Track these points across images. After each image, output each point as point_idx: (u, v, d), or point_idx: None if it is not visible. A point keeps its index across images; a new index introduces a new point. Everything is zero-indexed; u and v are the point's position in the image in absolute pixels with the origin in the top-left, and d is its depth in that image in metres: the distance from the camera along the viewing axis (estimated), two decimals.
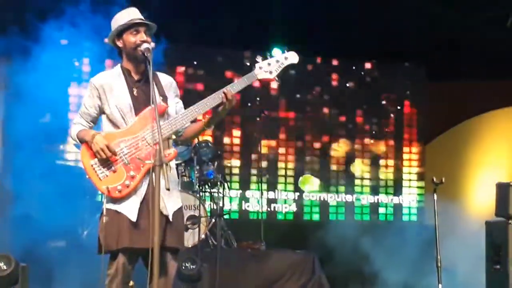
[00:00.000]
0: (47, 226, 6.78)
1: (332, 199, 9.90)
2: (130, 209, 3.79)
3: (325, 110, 10.03)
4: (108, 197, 3.82)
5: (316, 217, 9.83)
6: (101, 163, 3.82)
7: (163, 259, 3.77)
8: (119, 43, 3.95)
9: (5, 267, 5.47)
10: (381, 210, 10.05)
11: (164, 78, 4.05)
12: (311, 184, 9.80)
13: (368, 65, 10.14)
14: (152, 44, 3.89)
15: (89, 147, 3.86)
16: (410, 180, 10.21)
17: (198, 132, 4.12)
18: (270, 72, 3.98)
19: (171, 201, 3.87)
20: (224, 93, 3.86)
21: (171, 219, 3.83)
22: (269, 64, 3.99)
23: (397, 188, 10.15)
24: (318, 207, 9.84)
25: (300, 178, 9.76)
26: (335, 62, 10.05)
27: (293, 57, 4.04)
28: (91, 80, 3.97)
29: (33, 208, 7.30)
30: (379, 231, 8.24)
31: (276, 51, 4.07)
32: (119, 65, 4.03)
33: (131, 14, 3.96)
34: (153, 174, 3.72)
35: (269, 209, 9.58)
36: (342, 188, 9.93)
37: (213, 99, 3.89)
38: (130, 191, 3.81)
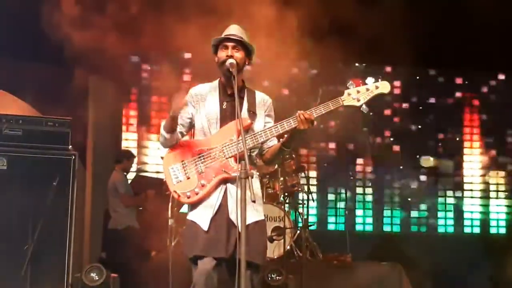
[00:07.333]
0: (137, 238, 6.99)
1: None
2: (203, 218, 3.87)
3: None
4: (189, 207, 3.93)
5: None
6: (178, 169, 3.92)
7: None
8: (216, 59, 4.03)
9: (97, 278, 5.69)
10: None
11: (260, 96, 4.09)
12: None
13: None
14: (232, 60, 3.88)
15: (172, 153, 3.96)
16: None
17: (276, 152, 4.07)
18: (358, 100, 3.92)
19: (247, 214, 3.80)
20: (301, 114, 3.84)
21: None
22: (358, 91, 3.93)
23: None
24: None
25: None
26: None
27: (384, 87, 3.95)
28: (190, 90, 4.05)
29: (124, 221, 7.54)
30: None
31: (369, 79, 3.95)
32: (218, 79, 4.10)
33: (227, 31, 4.02)
34: (227, 185, 3.85)
35: (355, 222, 9.54)
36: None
37: (294, 120, 3.87)
38: (199, 199, 3.88)
